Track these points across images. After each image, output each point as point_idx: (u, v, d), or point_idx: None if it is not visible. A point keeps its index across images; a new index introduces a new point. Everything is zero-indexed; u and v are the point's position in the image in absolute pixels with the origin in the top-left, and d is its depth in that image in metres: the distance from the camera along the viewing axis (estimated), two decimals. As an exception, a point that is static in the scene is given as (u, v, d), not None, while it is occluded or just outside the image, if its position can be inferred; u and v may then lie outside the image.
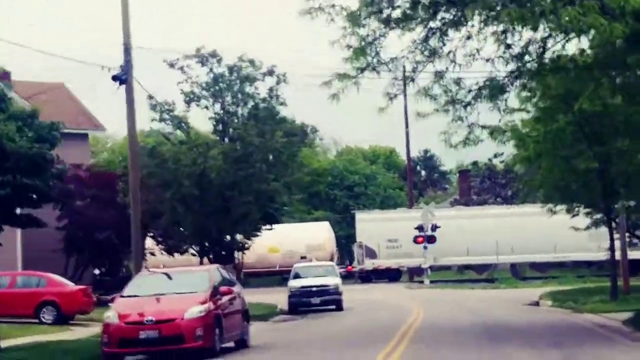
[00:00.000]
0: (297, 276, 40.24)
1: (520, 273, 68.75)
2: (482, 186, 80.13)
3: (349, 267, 68.83)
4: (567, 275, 61.97)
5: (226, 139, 36.37)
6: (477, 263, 67.28)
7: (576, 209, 37.36)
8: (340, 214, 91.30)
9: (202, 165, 35.48)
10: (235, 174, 35.38)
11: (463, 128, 22.26)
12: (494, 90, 20.58)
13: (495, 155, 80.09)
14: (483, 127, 22.71)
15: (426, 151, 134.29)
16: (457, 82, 21.31)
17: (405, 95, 73.76)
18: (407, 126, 79.21)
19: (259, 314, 36.93)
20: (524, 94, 28.43)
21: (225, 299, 23.69)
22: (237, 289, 25.63)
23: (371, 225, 67.19)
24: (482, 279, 66.62)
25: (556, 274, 64.98)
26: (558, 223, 65.40)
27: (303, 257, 66.79)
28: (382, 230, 66.71)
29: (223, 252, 40.15)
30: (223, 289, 23.85)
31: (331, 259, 67.10)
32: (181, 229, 36.84)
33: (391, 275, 67.53)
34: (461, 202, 78.19)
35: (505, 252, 65.46)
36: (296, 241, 66.97)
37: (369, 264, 67.03)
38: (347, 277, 70.13)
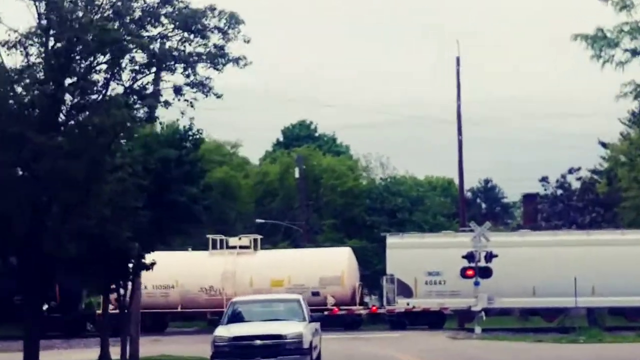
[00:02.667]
0: (235, 318, 24.13)
1: (600, 321, 51.78)
2: (553, 210, 63.30)
3: (373, 307, 52.28)
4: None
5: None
6: (547, 306, 50.46)
7: None
8: (379, 243, 74.95)
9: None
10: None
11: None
12: None
13: (571, 171, 63.66)
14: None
15: (487, 181, 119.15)
16: None
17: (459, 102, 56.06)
18: (460, 133, 63.01)
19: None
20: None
21: None
22: None
23: (406, 254, 50.97)
24: (553, 327, 49.96)
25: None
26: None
27: (315, 294, 50.77)
28: (420, 259, 50.56)
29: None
30: None
31: (352, 298, 51.00)
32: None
33: (431, 319, 50.98)
34: (526, 229, 61.47)
35: (584, 293, 48.92)
36: (307, 272, 50.96)
37: (401, 304, 50.63)
38: (372, 321, 53.94)
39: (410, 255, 50.73)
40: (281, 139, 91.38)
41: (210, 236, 52.66)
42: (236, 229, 73.66)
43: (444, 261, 49.76)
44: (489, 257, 46.87)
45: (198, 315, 54.99)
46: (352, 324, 50.63)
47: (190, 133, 24.01)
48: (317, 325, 24.72)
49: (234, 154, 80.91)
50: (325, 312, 49.80)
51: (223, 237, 52.75)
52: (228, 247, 52.26)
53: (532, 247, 50.47)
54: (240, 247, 52.09)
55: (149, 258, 54.10)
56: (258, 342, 22.21)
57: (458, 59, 63.44)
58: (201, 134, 25.03)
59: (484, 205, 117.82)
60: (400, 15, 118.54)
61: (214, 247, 52.48)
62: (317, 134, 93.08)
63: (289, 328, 22.78)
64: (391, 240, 52.26)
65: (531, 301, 50.31)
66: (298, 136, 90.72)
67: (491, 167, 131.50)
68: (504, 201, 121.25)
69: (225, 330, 23.12)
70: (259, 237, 53.45)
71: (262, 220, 72.28)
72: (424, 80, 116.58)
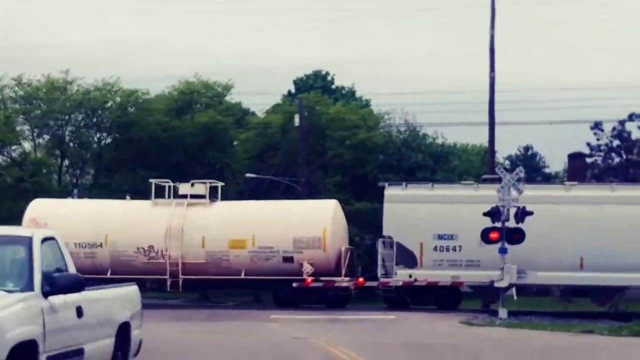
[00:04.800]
0: None
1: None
2: (608, 164, 50.04)
3: (359, 279, 38.89)
4: None
5: None
6: (599, 284, 37.48)
7: None
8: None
9: None
10: None
11: None
12: None
13: (631, 117, 50.45)
14: None
15: (527, 148, 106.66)
16: None
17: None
18: (492, 69, 50.70)
19: None
20: None
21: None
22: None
23: (409, 210, 38.27)
24: (603, 312, 37.28)
25: None
26: None
27: (287, 259, 38.16)
28: (428, 217, 37.97)
29: None
30: None
31: (337, 266, 38.22)
32: None
33: (443, 297, 38.22)
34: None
35: (650, 267, 36.16)
36: (277, 231, 38.27)
37: (402, 276, 37.82)
38: (366, 297, 41.39)
39: (416, 211, 38.06)
40: (293, 90, 78.76)
41: (153, 180, 40.19)
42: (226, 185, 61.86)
43: (460, 220, 37.29)
44: (521, 214, 34.09)
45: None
46: (335, 301, 38.12)
47: None
48: (82, 298, 11.52)
49: (225, 96, 68.22)
50: (295, 284, 37.26)
51: (170, 182, 40.18)
52: (177, 196, 39.75)
53: (581, 204, 37.69)
54: (192, 196, 39.50)
55: (59, 204, 42.41)
56: None
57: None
58: None
59: (523, 175, 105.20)
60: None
61: (159, 196, 39.98)
62: (333, 86, 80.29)
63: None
64: (391, 191, 39.47)
65: (577, 277, 37.47)
66: (312, 87, 78.00)
67: (532, 133, 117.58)
68: (546, 171, 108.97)
69: None
70: (219, 183, 40.76)
71: (253, 175, 60.00)
72: (461, 42, 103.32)
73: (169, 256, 38.19)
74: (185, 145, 64.30)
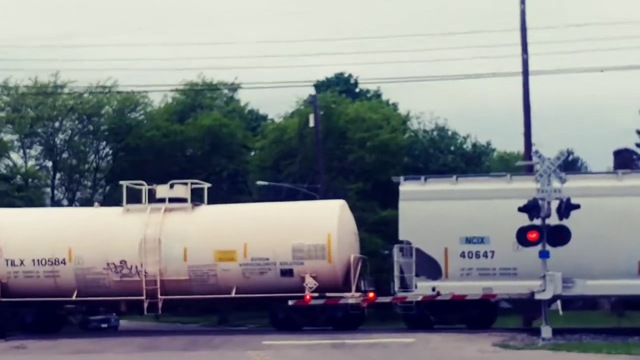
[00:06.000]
0: None
1: None
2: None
3: (370, 294, 31.90)
4: None
5: None
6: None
7: None
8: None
9: None
10: None
11: None
12: None
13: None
14: None
15: (569, 153, 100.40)
16: None
17: None
18: (525, 51, 43.93)
19: None
20: None
21: None
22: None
23: (431, 209, 31.84)
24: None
25: None
26: None
27: (285, 273, 31.80)
28: (453, 218, 31.50)
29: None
30: None
31: (346, 280, 31.80)
32: None
33: (472, 313, 31.59)
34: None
35: None
36: (273, 239, 31.88)
37: (423, 289, 31.25)
38: (383, 315, 35.07)
39: (438, 210, 31.62)
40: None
41: (124, 183, 34.05)
42: (239, 196, 55.92)
43: (492, 220, 30.94)
44: (565, 208, 27.77)
45: (105, 307, 36.51)
46: (345, 321, 31.68)
47: None
48: None
49: (231, 97, 62.52)
50: (291, 302, 30.89)
51: (145, 184, 33.99)
52: (154, 201, 33.56)
53: (637, 196, 30.99)
54: (171, 199, 33.27)
55: (16, 214, 36.53)
56: None
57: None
58: None
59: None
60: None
61: (133, 201, 33.84)
62: (357, 90, 74.28)
63: None
64: (407, 187, 33.07)
65: (636, 285, 30.74)
66: (334, 91, 72.13)
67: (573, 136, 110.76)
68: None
69: None
70: (205, 185, 34.56)
71: (265, 183, 54.12)
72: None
73: (145, 273, 31.97)
74: (190, 152, 59.03)
